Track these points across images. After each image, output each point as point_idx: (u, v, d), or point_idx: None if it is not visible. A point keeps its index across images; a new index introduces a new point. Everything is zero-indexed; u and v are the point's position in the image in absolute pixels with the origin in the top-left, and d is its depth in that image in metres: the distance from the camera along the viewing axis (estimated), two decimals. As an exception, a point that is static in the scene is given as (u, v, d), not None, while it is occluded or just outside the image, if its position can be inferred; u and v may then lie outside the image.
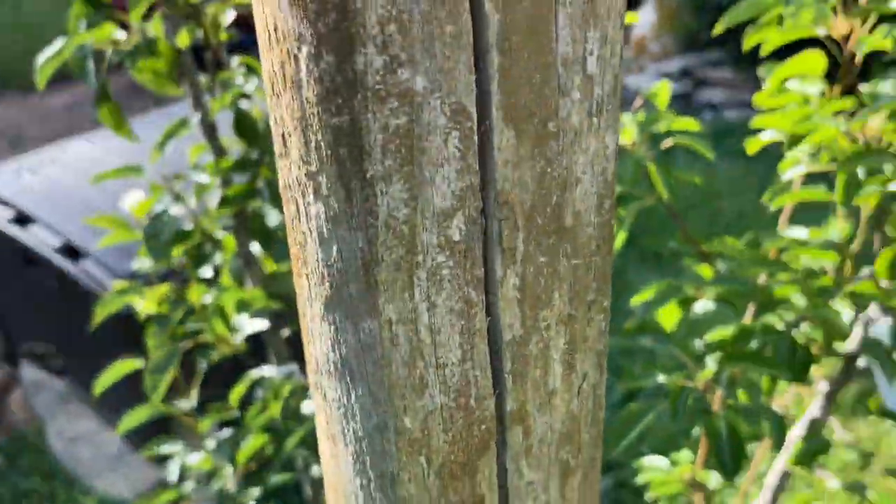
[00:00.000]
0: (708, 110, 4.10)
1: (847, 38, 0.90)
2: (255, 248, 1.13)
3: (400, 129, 0.26)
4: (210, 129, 1.05)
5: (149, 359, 1.03)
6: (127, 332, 1.73)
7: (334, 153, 0.26)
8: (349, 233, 0.28)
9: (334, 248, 0.29)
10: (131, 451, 2.14)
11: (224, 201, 1.03)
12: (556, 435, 0.36)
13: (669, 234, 2.96)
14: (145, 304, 1.09)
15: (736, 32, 0.91)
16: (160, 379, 1.00)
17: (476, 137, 0.28)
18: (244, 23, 1.25)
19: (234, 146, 1.11)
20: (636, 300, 0.99)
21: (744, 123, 3.79)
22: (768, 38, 0.94)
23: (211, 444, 1.21)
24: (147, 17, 0.99)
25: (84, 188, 2.11)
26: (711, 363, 0.93)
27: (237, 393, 1.23)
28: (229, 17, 1.07)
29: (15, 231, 2.02)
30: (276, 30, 0.26)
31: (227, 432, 1.22)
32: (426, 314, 0.30)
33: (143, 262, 1.14)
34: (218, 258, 1.13)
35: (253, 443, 1.12)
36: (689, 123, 0.87)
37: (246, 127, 1.01)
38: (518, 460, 0.35)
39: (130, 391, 1.49)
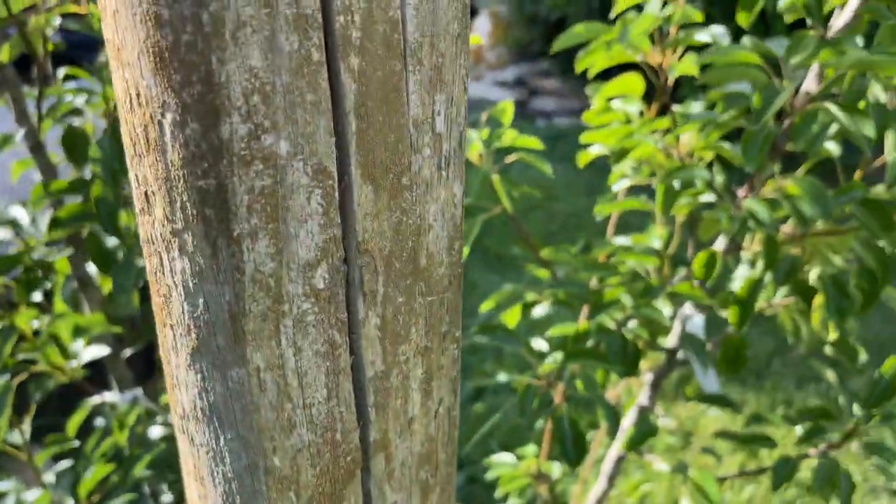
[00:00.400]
0: (541, 118, 4.32)
1: (661, 64, 1.00)
2: (92, 269, 1.07)
3: (265, 190, 0.28)
4: (37, 147, 0.98)
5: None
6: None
7: (200, 213, 0.27)
8: (216, 287, 0.29)
9: (200, 301, 0.30)
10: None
11: (55, 223, 0.97)
12: (415, 457, 0.39)
13: (511, 236, 3.10)
14: (-34, 336, 1.00)
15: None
16: None
17: (337, 194, 0.30)
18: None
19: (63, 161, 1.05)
20: (484, 307, 1.04)
21: (574, 130, 4.03)
22: (595, 62, 1.02)
23: (49, 478, 1.14)
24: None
25: None
26: (552, 359, 1.00)
27: (75, 422, 1.16)
28: (56, 25, 1.01)
29: None
30: (138, 95, 0.27)
31: (65, 464, 1.15)
32: (293, 359, 0.31)
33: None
34: (48, 282, 1.06)
35: (96, 474, 1.07)
36: (530, 141, 0.93)
37: (76, 145, 0.95)
38: (381, 485, 0.38)
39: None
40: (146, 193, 0.29)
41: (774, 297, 1.04)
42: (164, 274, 0.30)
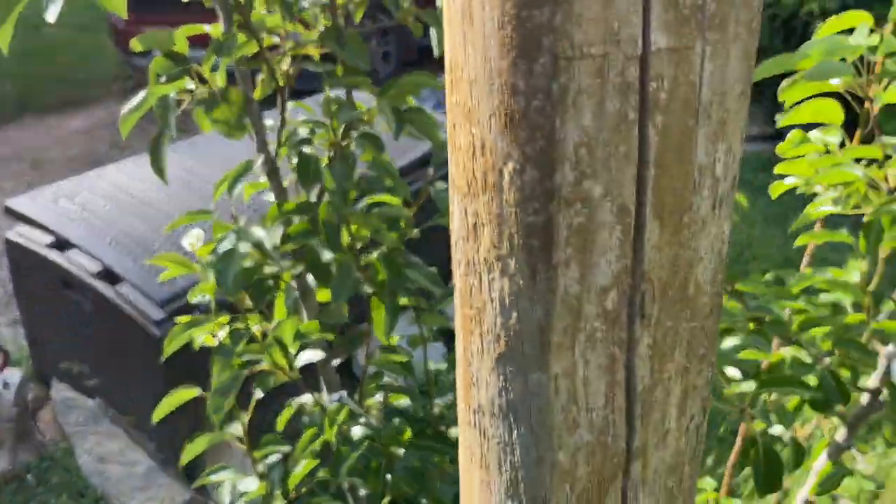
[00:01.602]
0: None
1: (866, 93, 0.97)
2: (311, 280, 1.20)
3: (580, 226, 0.33)
4: (274, 172, 1.12)
5: (212, 385, 1.09)
6: (158, 355, 1.80)
7: (525, 243, 0.34)
8: (530, 304, 0.35)
9: (514, 314, 0.36)
10: (160, 471, 2.19)
11: (285, 239, 1.10)
12: (666, 467, 0.43)
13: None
14: (206, 337, 1.15)
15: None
16: (223, 401, 1.06)
17: (632, 230, 0.35)
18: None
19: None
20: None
21: (750, 156, 3.87)
22: (794, 94, 1.01)
23: (261, 468, 1.27)
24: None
25: (121, 215, 2.19)
26: (746, 386, 0.99)
27: (285, 417, 1.29)
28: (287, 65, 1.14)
29: (54, 255, 2.09)
30: (483, 147, 0.33)
31: (276, 457, 1.28)
32: (582, 369, 0.37)
33: (201, 297, 1.21)
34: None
35: (305, 467, 1.18)
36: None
37: (308, 171, 1.08)
38: (636, 488, 0.42)
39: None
40: (474, 225, 0.36)
41: None
42: (480, 291, 0.37)
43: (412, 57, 5.35)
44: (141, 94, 1.01)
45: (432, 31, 1.14)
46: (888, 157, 0.98)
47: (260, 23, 1.00)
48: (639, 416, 0.40)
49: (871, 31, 0.99)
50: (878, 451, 2.13)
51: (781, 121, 1.07)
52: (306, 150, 1.12)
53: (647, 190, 0.34)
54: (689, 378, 0.41)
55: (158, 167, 0.99)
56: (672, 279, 0.37)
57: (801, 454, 0.93)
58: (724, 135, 0.35)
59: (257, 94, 1.05)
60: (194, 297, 1.26)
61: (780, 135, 1.19)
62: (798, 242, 1.10)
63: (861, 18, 0.96)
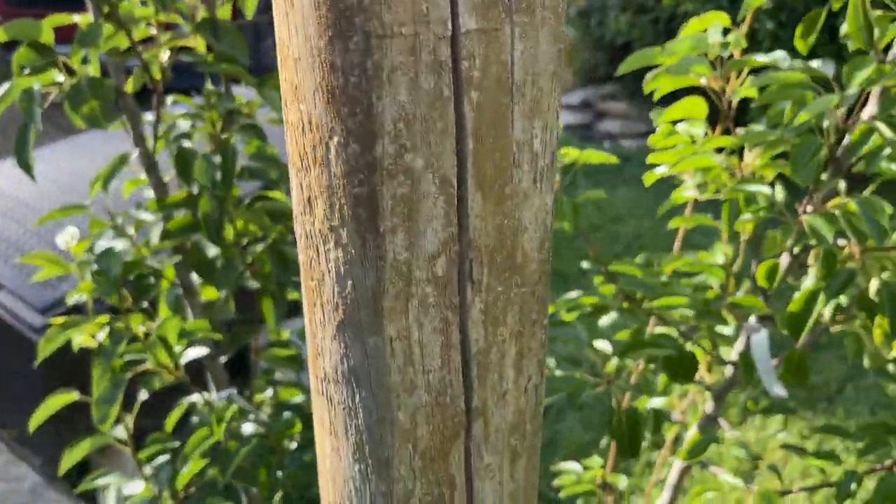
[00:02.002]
0: (608, 140, 4.36)
1: (723, 88, 1.05)
2: (195, 278, 1.18)
3: (404, 196, 0.36)
4: (152, 166, 1.10)
5: (94, 390, 1.06)
6: (32, 361, 1.73)
7: (354, 213, 0.36)
8: (363, 271, 0.37)
9: (349, 283, 0.38)
10: (47, 486, 2.09)
11: (166, 234, 1.08)
12: (507, 426, 0.46)
13: (571, 254, 3.14)
14: (83, 338, 1.12)
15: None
16: (108, 409, 1.04)
17: (455, 200, 0.37)
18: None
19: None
20: (551, 309, 1.11)
21: (640, 153, 4.06)
22: (661, 86, 1.08)
23: (147, 471, 1.24)
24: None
25: (-5, 219, 2.08)
26: (615, 361, 1.06)
27: (174, 418, 1.27)
28: (165, 57, 1.12)
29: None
30: (310, 122, 0.35)
31: (163, 458, 1.25)
32: (417, 332, 0.39)
33: (79, 297, 1.17)
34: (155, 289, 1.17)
35: (192, 467, 1.17)
36: (600, 156, 1.00)
37: (187, 164, 1.06)
38: (479, 446, 0.45)
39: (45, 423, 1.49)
40: (308, 198, 0.37)
41: (826, 307, 1.07)
42: (319, 263, 0.39)
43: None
44: (3, 87, 0.97)
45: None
46: (742, 148, 1.06)
47: (128, 14, 0.98)
48: (476, 377, 0.42)
49: (727, 30, 1.07)
50: (756, 424, 2.28)
51: (657, 119, 1.15)
52: (186, 143, 1.10)
53: (467, 163, 0.37)
54: (523, 340, 0.44)
55: (24, 163, 0.95)
56: (499, 247, 0.40)
57: (659, 421, 0.99)
58: (540, 112, 0.39)
59: (129, 87, 1.03)
60: (72, 298, 1.22)
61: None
62: (671, 225, 1.17)
63: (718, 18, 1.04)
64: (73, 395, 1.15)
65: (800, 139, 0.88)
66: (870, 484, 1.54)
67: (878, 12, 0.87)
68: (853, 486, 0.99)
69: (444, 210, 0.37)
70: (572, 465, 1.38)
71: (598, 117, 4.52)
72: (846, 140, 0.90)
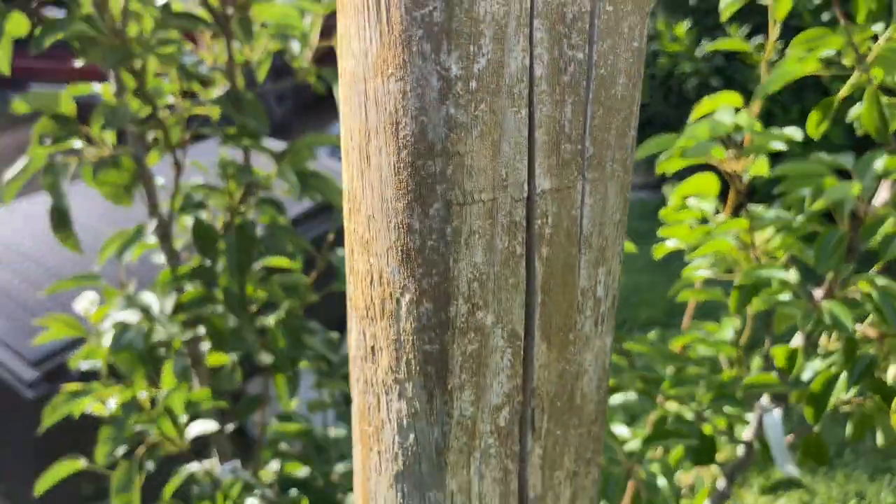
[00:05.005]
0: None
1: (734, 169, 1.06)
2: (203, 346, 1.17)
3: (473, 353, 0.35)
4: (166, 237, 1.09)
5: (97, 457, 1.04)
6: (31, 418, 1.69)
7: (422, 369, 0.35)
8: (427, 426, 0.36)
9: (412, 436, 0.37)
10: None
11: (179, 308, 1.07)
12: (558, 563, 0.45)
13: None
14: (95, 406, 1.10)
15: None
16: (128, 498, 1.01)
17: (522, 352, 0.37)
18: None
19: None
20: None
21: (636, 207, 4.08)
22: (672, 166, 1.09)
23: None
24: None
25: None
26: (634, 444, 1.04)
27: (172, 486, 1.24)
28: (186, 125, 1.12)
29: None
30: (380, 277, 0.34)
31: (164, 531, 1.22)
32: (477, 484, 0.38)
33: (87, 363, 1.15)
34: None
35: (195, 541, 1.14)
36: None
37: (204, 237, 1.05)
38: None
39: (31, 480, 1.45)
40: (372, 347, 0.37)
41: (847, 393, 1.06)
42: (379, 411, 0.38)
43: (308, 98, 5.31)
44: (24, 159, 0.96)
45: (335, 88, 1.15)
46: (752, 226, 1.06)
47: (157, 89, 0.98)
48: (531, 522, 0.41)
49: (737, 110, 1.08)
50: (755, 490, 2.25)
51: (670, 194, 1.15)
52: (202, 215, 1.09)
53: (534, 315, 0.36)
54: (577, 481, 0.43)
55: (69, 242, 0.95)
56: (560, 392, 0.39)
57: (677, 497, 0.98)
58: (604, 259, 0.38)
59: (151, 160, 1.02)
60: (78, 362, 1.20)
61: (662, 183, 1.28)
62: (680, 299, 1.17)
63: (730, 99, 1.05)
64: (79, 464, 1.12)
65: (823, 229, 0.88)
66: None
67: (885, 100, 0.88)
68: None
69: (510, 362, 0.36)
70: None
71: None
72: (859, 227, 0.91)
